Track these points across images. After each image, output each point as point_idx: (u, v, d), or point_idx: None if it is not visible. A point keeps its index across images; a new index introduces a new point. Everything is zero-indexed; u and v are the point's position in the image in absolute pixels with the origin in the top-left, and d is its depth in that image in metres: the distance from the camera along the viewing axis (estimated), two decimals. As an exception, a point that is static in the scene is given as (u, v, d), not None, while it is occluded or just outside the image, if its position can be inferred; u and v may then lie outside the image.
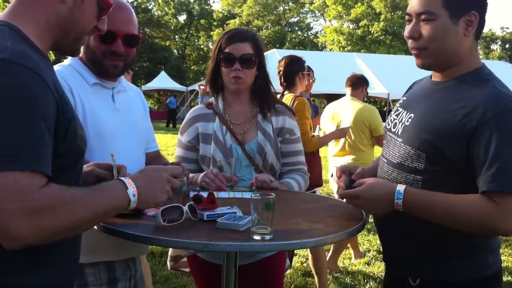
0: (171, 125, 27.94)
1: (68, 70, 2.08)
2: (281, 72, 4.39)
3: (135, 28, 2.12)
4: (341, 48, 44.12)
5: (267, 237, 1.54)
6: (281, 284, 2.48)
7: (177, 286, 4.45)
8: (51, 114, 1.28)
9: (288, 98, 4.20)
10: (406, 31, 1.80)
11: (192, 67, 52.43)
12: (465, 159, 1.66)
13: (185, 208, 1.72)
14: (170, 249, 2.55)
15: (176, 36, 54.41)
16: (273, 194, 1.59)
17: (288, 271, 4.53)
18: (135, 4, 48.05)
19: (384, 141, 2.00)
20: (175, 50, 53.39)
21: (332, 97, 13.98)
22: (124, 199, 1.42)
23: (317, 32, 58.02)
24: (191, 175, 2.41)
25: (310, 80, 4.98)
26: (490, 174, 1.60)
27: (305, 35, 56.19)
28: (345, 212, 1.97)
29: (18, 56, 1.25)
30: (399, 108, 1.93)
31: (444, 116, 1.71)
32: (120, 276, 2.09)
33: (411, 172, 1.78)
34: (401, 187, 1.71)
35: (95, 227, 1.63)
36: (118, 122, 2.13)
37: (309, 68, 4.86)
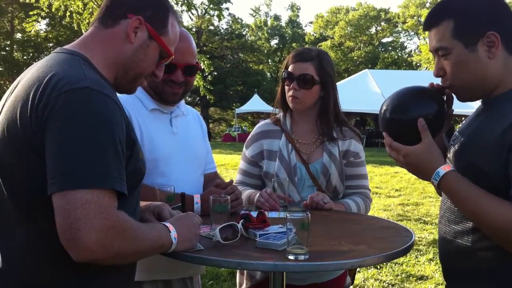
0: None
1: (128, 97, 2.17)
2: None
3: (193, 57, 2.22)
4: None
5: (301, 257, 1.55)
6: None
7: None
8: (123, 137, 1.40)
9: None
10: (434, 70, 1.73)
11: (284, 90, 52.99)
12: (505, 178, 1.53)
13: (239, 225, 1.77)
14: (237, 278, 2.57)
15: (269, 60, 55.36)
16: (308, 213, 1.59)
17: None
18: (229, 31, 49.67)
19: None
20: (268, 74, 54.26)
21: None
22: (168, 241, 1.52)
23: (411, 51, 56.65)
24: (247, 192, 2.46)
25: None
26: None
27: (399, 54, 55.02)
28: (394, 234, 1.92)
29: (97, 84, 1.39)
30: (456, 133, 1.84)
31: (485, 136, 1.60)
32: None
33: None
34: (443, 169, 1.62)
35: None
36: (175, 146, 2.23)
37: None
